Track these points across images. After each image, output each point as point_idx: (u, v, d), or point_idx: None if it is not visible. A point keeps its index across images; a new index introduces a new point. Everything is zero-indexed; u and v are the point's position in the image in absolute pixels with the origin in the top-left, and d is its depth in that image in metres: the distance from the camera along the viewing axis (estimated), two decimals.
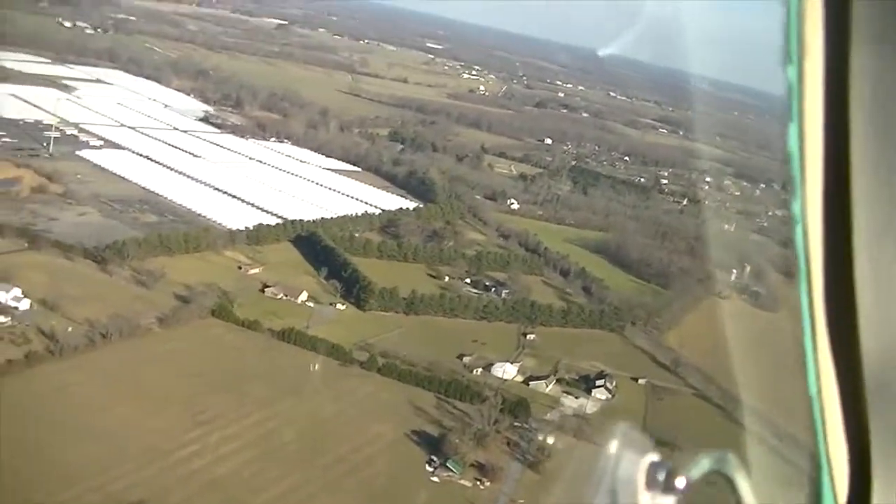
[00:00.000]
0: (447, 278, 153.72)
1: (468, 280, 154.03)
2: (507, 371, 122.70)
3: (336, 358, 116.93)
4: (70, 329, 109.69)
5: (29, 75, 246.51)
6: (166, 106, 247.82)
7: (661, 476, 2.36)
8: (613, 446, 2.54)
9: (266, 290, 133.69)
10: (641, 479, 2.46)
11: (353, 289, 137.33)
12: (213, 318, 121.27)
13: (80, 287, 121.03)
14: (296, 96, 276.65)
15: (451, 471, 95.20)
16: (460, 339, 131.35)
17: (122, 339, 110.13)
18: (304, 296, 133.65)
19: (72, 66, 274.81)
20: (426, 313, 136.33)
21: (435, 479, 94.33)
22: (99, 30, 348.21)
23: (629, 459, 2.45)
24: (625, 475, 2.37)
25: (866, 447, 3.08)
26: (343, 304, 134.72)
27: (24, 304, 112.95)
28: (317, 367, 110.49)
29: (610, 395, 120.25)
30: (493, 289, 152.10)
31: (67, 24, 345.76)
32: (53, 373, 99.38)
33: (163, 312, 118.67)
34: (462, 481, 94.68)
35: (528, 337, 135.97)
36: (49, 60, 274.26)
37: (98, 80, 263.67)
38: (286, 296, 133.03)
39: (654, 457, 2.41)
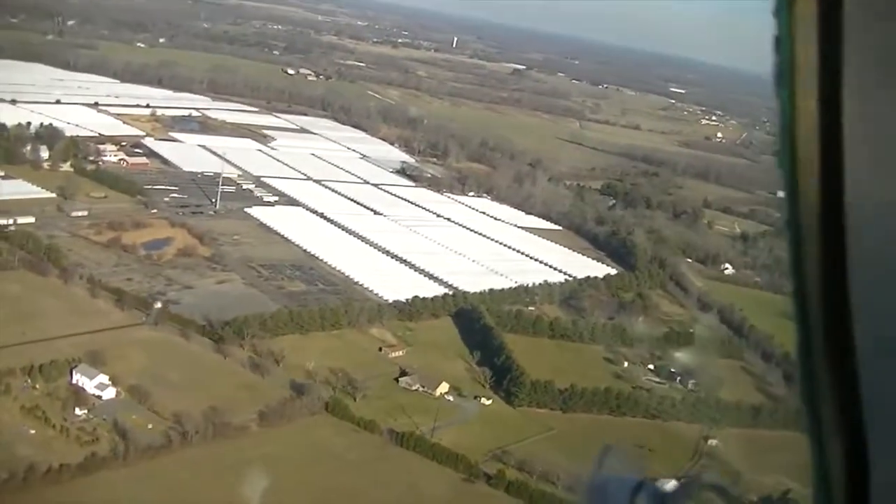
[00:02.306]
0: (626, 363, 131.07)
1: (651, 366, 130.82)
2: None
3: (460, 470, 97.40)
4: (150, 426, 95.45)
5: (231, 125, 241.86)
6: (363, 157, 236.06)
7: (650, 499, 2.34)
8: (601, 466, 2.43)
9: (401, 379, 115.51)
10: (628, 499, 2.42)
11: (504, 379, 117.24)
12: (325, 415, 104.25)
13: (183, 371, 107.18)
14: (508, 146, 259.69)
15: None
16: (623, 444, 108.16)
17: (205, 442, 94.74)
18: (443, 387, 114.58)
19: (279, 115, 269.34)
20: (586, 411, 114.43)
21: None
22: (321, 76, 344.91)
23: (617, 480, 2.38)
24: (613, 496, 2.33)
25: (863, 455, 2.98)
26: (489, 399, 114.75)
27: (109, 394, 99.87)
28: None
29: None
30: (679, 377, 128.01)
31: (291, 71, 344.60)
32: (105, 483, 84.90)
33: (269, 406, 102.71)
34: None
35: (709, 442, 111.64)
36: (258, 109, 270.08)
37: (302, 130, 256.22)
38: (423, 387, 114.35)
39: (641, 478, 2.39)
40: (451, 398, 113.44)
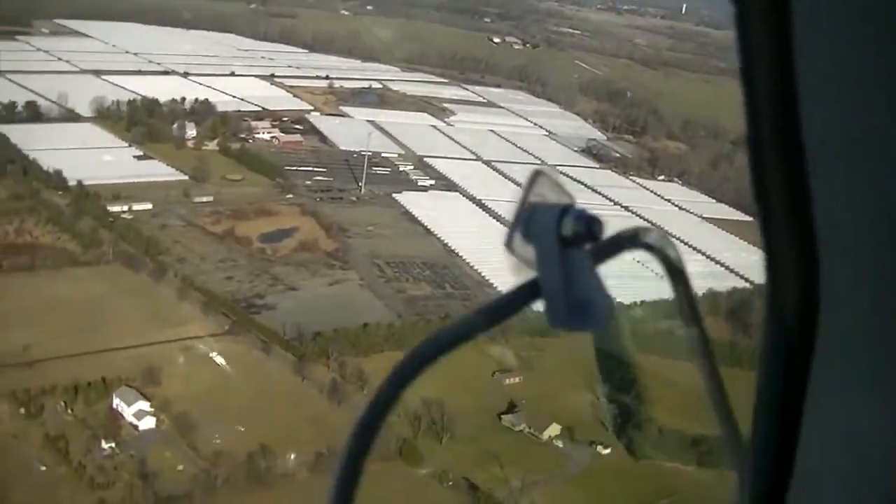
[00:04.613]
0: None
1: None
2: None
3: None
4: (180, 468, 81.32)
5: (411, 98, 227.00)
6: (548, 134, 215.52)
7: (580, 225, 2.25)
8: (529, 193, 2.32)
9: (504, 417, 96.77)
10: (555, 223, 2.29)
11: (630, 421, 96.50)
12: (396, 462, 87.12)
13: (247, 396, 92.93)
14: (716, 121, 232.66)
15: None
16: None
17: (234, 491, 79.64)
18: (553, 429, 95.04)
19: (469, 87, 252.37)
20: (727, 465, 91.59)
21: None
22: (528, 45, 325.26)
23: (545, 206, 2.32)
24: (540, 221, 2.27)
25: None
26: (607, 447, 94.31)
27: (147, 423, 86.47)
28: None
29: None
30: None
31: (497, 39, 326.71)
32: None
33: (331, 446, 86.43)
34: None
35: None
36: (447, 81, 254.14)
37: (488, 104, 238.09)
38: (529, 428, 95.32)
39: (569, 203, 2.28)
40: (560, 443, 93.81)
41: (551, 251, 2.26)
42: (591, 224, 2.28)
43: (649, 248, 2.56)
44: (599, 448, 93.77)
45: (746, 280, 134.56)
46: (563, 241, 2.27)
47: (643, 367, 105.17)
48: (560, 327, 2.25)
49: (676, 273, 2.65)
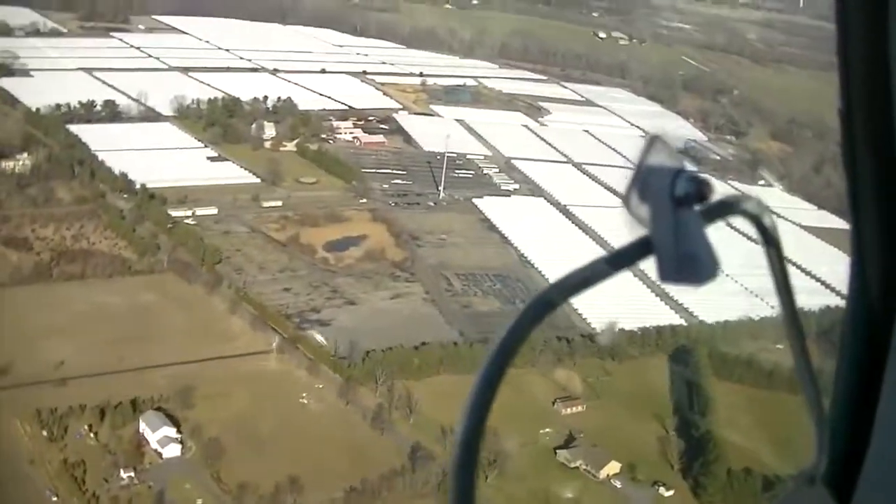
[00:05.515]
0: None
1: None
2: None
3: None
4: (200, 502, 75.98)
5: (505, 97, 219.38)
6: (645, 136, 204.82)
7: (691, 186, 2.43)
8: (646, 157, 2.60)
9: (560, 451, 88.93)
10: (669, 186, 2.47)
11: (698, 459, 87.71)
12: (433, 499, 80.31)
13: (284, 422, 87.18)
14: (823, 121, 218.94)
15: None
16: None
17: None
18: (612, 467, 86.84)
19: (567, 84, 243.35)
20: None
21: None
22: (634, 40, 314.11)
23: (659, 167, 2.49)
24: (655, 182, 2.45)
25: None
26: (669, 490, 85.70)
27: (172, 451, 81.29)
28: None
29: None
30: None
31: (602, 35, 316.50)
32: None
33: (366, 480, 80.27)
34: None
35: None
36: (545, 78, 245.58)
37: (587, 102, 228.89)
38: (585, 465, 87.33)
39: (682, 166, 2.53)
40: (618, 483, 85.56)
41: (664, 210, 2.44)
42: (701, 186, 2.45)
43: (748, 215, 2.74)
44: (662, 490, 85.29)
45: (842, 296, 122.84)
46: (675, 200, 2.44)
47: (719, 399, 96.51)
48: (669, 282, 2.40)
49: (772, 243, 2.87)
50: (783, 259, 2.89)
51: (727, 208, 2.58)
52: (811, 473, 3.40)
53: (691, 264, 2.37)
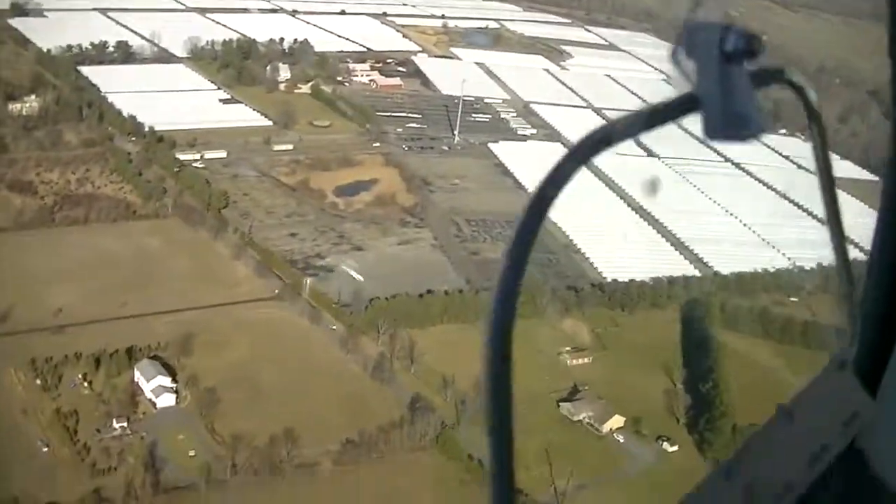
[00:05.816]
0: None
1: None
2: None
3: None
4: (192, 454, 74.75)
5: (527, 40, 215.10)
6: (667, 79, 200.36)
7: (741, 41, 2.38)
8: (695, 9, 2.55)
9: (563, 404, 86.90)
10: (718, 41, 2.42)
11: (705, 414, 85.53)
12: (433, 451, 78.81)
13: (284, 371, 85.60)
14: (852, 68, 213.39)
15: None
16: None
17: (245, 484, 72.60)
18: (615, 421, 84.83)
19: (592, 28, 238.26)
20: None
21: None
22: None
23: (707, 24, 2.43)
24: (704, 36, 2.40)
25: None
26: (674, 444, 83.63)
27: (166, 400, 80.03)
28: None
29: None
30: None
31: None
32: None
33: (363, 433, 78.79)
34: None
35: None
36: (570, 21, 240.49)
37: (610, 46, 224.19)
38: (588, 418, 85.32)
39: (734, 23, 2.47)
40: (621, 438, 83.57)
41: (712, 65, 2.39)
42: (751, 41, 2.40)
43: (793, 86, 2.76)
44: (666, 445, 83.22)
45: (863, 251, 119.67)
46: (724, 56, 2.40)
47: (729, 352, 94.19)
48: (716, 137, 2.37)
49: (814, 116, 2.94)
50: (825, 134, 2.92)
51: (775, 75, 2.55)
52: (842, 359, 3.58)
53: (739, 120, 2.33)
